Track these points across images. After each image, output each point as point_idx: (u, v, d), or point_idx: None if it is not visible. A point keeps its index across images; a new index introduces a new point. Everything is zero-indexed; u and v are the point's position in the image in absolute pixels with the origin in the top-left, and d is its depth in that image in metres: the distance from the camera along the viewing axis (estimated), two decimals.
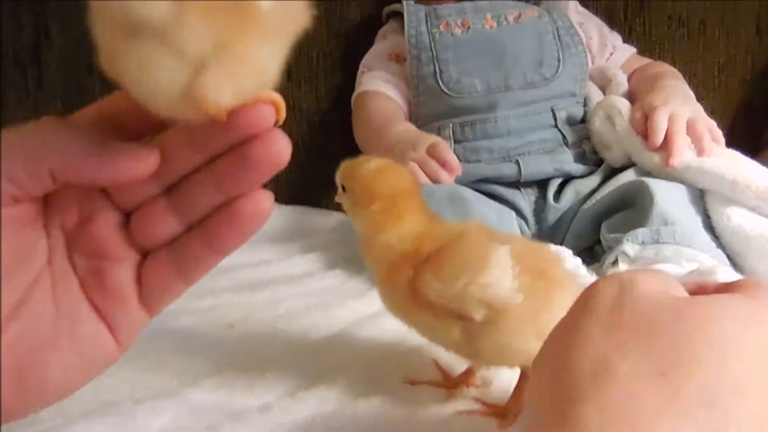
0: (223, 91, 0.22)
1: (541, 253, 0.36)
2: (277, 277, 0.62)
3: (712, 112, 0.71)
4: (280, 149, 0.23)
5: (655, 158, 0.63)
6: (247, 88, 0.23)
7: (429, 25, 0.73)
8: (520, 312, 0.33)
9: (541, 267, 0.34)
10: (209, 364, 0.43)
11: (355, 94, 0.77)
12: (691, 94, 0.71)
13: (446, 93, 0.71)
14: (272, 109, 0.23)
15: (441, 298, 0.33)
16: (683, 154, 0.61)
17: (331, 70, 0.80)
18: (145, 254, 0.25)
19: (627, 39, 0.81)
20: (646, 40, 0.81)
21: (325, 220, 0.76)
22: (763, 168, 0.61)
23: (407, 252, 0.34)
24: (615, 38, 0.79)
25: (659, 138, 0.62)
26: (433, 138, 0.65)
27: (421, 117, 0.74)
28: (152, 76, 0.21)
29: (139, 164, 0.23)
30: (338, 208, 0.77)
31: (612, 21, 0.81)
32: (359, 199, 0.36)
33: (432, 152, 0.63)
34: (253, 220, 0.24)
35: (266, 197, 0.24)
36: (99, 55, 0.22)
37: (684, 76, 0.78)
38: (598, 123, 0.69)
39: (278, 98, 0.24)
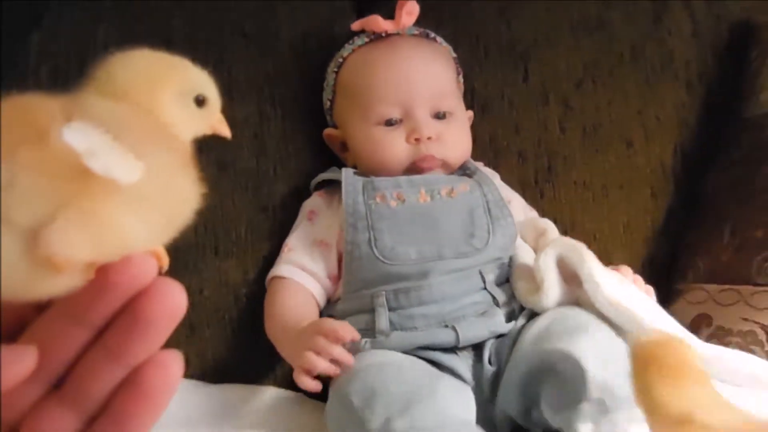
0: (74, 246, 0.20)
1: None
2: None
3: None
4: (173, 298, 0.21)
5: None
6: (108, 245, 0.21)
7: (366, 196, 0.74)
8: None
9: None
10: None
11: (270, 274, 0.76)
12: None
13: (380, 260, 0.72)
14: (150, 258, 0.21)
15: None
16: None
17: (259, 243, 0.79)
18: None
19: (539, 201, 0.86)
20: (557, 202, 0.87)
21: (260, 397, 0.71)
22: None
23: None
24: (533, 215, 0.84)
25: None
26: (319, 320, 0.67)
27: (353, 284, 0.73)
28: None
29: (13, 367, 0.19)
30: (275, 383, 0.74)
31: (524, 186, 0.87)
32: None
33: (320, 331, 0.64)
34: (163, 388, 0.21)
35: (173, 358, 0.21)
36: None
37: (594, 234, 0.85)
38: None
39: (157, 248, 0.23)
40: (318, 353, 0.63)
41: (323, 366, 0.63)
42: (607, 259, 0.71)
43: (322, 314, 0.76)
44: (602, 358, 0.61)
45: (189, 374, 0.74)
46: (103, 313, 0.21)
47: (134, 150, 0.22)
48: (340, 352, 0.63)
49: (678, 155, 0.89)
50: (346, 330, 0.64)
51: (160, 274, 0.22)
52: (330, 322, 0.66)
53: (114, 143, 0.22)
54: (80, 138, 0.21)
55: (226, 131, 0.30)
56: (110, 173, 0.21)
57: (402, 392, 0.59)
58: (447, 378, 0.65)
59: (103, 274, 0.20)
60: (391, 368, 0.62)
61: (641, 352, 0.36)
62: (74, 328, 0.21)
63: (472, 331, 0.69)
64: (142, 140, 0.23)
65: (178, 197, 0.24)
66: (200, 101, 0.28)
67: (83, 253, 0.20)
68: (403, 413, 0.57)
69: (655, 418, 0.33)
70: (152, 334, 0.21)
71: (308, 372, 0.64)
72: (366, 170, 0.79)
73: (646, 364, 0.35)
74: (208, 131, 0.29)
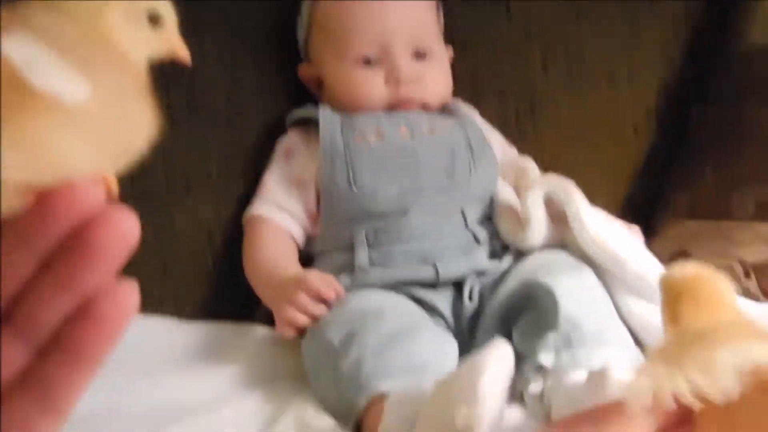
0: (6, 165, 0.19)
1: None
2: (191, 405, 0.57)
3: (603, 206, 0.75)
4: (122, 225, 0.19)
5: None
6: (47, 166, 0.20)
7: (344, 134, 0.72)
8: None
9: None
10: None
11: (248, 213, 0.74)
12: None
13: (359, 197, 0.70)
14: (96, 183, 0.20)
15: None
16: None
17: (232, 182, 0.78)
18: None
19: (520, 140, 0.85)
20: (538, 141, 0.85)
21: (241, 335, 0.71)
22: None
23: None
24: (513, 152, 0.83)
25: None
26: (294, 278, 0.66)
27: (332, 222, 0.72)
28: None
29: None
30: (252, 321, 0.74)
31: (504, 125, 0.85)
32: None
33: (303, 287, 0.64)
34: (117, 318, 0.20)
35: (127, 288, 0.20)
36: None
37: (575, 173, 0.83)
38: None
39: (106, 174, 0.22)
40: (299, 310, 0.64)
41: (304, 322, 0.64)
42: (588, 198, 0.70)
43: (301, 253, 0.75)
44: (577, 296, 0.61)
45: (164, 313, 0.73)
46: (47, 240, 0.20)
47: (81, 68, 0.21)
48: (321, 311, 0.64)
49: (662, 93, 0.87)
50: (331, 288, 0.65)
51: (110, 201, 0.21)
52: (314, 278, 0.65)
53: (58, 58, 0.20)
54: (20, 49, 0.20)
55: (185, 54, 0.28)
56: (52, 89, 0.20)
57: (379, 336, 0.59)
58: (429, 327, 0.64)
59: (44, 199, 0.19)
60: (371, 315, 0.62)
61: (674, 284, 0.35)
62: (19, 255, 0.20)
63: (452, 267, 0.69)
64: (89, 58, 0.22)
65: (130, 123, 0.23)
66: (154, 19, 0.26)
67: (18, 173, 0.19)
68: (375, 356, 0.57)
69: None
70: (102, 263, 0.20)
71: (289, 326, 0.64)
72: (342, 109, 0.77)
73: (679, 296, 0.34)
74: (164, 54, 0.27)
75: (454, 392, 0.46)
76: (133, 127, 0.22)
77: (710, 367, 0.29)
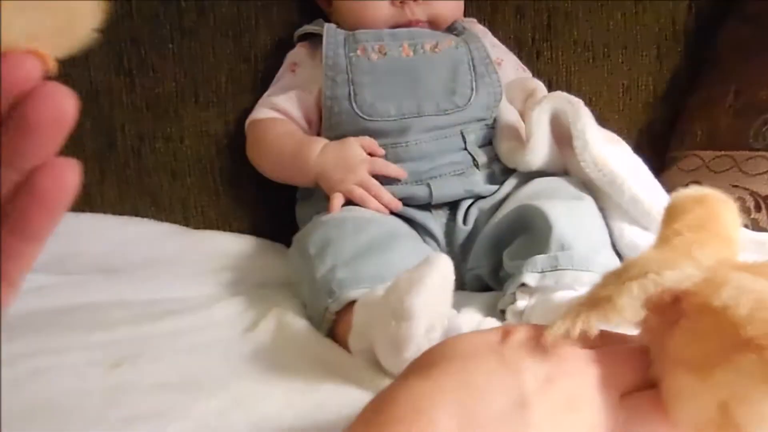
0: None
1: None
2: (185, 302, 0.61)
3: (618, 133, 0.73)
4: (58, 102, 0.20)
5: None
6: None
7: (347, 49, 0.72)
8: None
9: None
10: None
11: (250, 118, 0.75)
12: None
13: (360, 116, 0.70)
14: (30, 57, 0.20)
15: None
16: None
17: (240, 94, 0.78)
18: None
19: (535, 62, 0.82)
20: (554, 63, 0.82)
21: (234, 242, 0.74)
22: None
23: None
24: (526, 76, 0.80)
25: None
26: (361, 154, 0.68)
27: (332, 140, 0.72)
28: None
29: None
30: (254, 231, 0.76)
31: (520, 45, 0.82)
32: None
33: (372, 171, 0.67)
34: (57, 193, 0.21)
35: (66, 165, 0.21)
36: None
37: (590, 98, 0.80)
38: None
39: (39, 49, 0.21)
40: (368, 190, 0.67)
41: (375, 206, 0.67)
42: (604, 124, 0.68)
43: None
44: (571, 221, 0.60)
45: (172, 219, 0.76)
46: None
47: None
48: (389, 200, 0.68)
49: (692, 11, 0.81)
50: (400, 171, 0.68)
51: (48, 79, 0.21)
52: (382, 163, 0.69)
53: None
54: None
55: None
56: None
57: (355, 246, 0.59)
58: (408, 240, 0.65)
59: None
60: (351, 222, 0.63)
61: (675, 203, 0.33)
62: None
63: (446, 188, 0.69)
64: None
65: (70, 6, 0.22)
66: None
67: None
68: (349, 263, 0.58)
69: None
70: (39, 139, 0.20)
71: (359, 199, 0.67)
72: (348, 27, 0.75)
73: (676, 215, 0.32)
74: None
75: (390, 306, 0.46)
76: (74, 11, 0.22)
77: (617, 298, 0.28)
